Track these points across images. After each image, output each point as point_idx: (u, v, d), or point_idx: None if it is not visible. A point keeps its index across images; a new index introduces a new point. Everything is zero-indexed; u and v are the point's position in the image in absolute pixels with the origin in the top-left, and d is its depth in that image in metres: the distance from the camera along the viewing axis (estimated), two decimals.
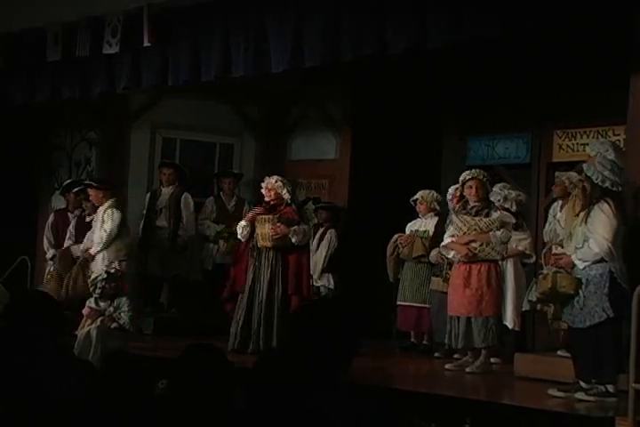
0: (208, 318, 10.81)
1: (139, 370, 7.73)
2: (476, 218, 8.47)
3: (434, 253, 9.20)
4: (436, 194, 9.65)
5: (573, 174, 8.49)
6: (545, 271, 7.20)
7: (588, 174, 7.04)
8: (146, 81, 9.09)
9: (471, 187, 8.52)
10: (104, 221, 10.10)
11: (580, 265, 6.92)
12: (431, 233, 9.49)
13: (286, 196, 9.33)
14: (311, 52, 7.76)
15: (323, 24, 7.67)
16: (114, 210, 10.16)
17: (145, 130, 11.41)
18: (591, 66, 9.32)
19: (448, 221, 8.81)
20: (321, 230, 10.75)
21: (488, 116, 10.56)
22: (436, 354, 9.26)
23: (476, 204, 8.53)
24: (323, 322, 3.41)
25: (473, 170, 8.72)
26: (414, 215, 9.81)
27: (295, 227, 9.16)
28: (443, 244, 8.74)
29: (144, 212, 11.00)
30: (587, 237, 6.92)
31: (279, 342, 8.74)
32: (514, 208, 8.78)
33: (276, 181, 9.29)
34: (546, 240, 8.58)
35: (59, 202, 11.71)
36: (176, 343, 7.59)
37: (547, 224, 8.71)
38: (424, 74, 10.21)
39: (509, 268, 8.74)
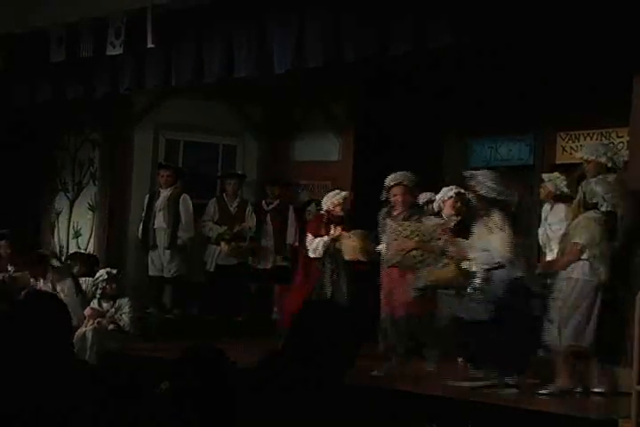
0: (210, 320, 10.84)
1: (140, 371, 7.72)
2: (418, 223, 8.23)
3: None
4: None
5: (555, 175, 8.47)
6: (445, 261, 7.36)
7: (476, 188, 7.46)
8: (149, 82, 9.10)
9: (396, 194, 8.19)
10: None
11: (478, 267, 7.23)
12: None
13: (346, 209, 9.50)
14: (313, 53, 7.77)
15: (325, 25, 7.67)
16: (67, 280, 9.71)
17: (148, 131, 11.41)
18: (594, 67, 9.31)
19: (380, 228, 8.62)
20: None
21: (491, 117, 10.54)
22: None
23: (404, 212, 8.24)
24: (323, 323, 3.40)
25: (398, 174, 8.29)
26: None
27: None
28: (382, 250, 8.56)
29: (143, 213, 11.00)
30: (486, 249, 7.25)
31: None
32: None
33: (345, 198, 9.36)
34: (541, 243, 8.53)
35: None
36: (178, 344, 7.58)
37: (540, 228, 8.63)
38: (426, 75, 10.20)
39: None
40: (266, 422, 3.34)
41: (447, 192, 9.04)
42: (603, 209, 7.19)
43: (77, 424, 3.76)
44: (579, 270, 7.14)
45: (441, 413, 6.62)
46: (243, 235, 11.09)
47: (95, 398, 3.85)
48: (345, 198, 9.39)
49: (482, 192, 7.37)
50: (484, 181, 7.38)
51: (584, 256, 7.13)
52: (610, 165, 7.88)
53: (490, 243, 7.28)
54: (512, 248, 7.22)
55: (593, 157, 7.87)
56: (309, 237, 9.39)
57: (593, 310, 7.14)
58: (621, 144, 9.74)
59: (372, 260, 9.10)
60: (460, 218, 9.10)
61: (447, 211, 9.10)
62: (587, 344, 7.14)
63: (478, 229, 7.43)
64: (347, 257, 9.11)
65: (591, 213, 7.21)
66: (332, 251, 9.21)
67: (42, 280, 9.82)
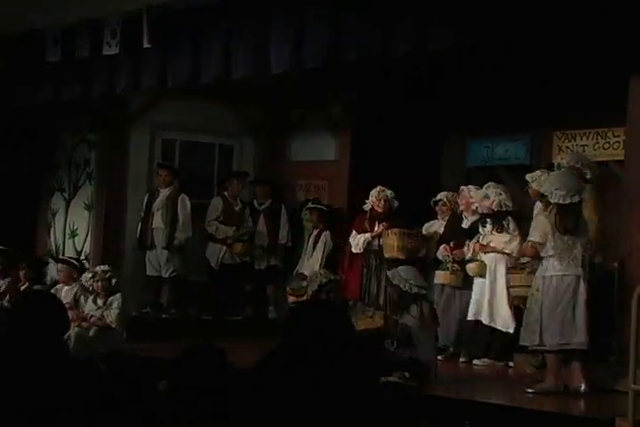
0: (207, 319, 10.84)
1: (137, 370, 7.72)
2: None
3: (441, 249, 9.17)
4: (457, 195, 9.57)
5: (537, 174, 8.49)
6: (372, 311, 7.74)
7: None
8: (145, 82, 9.08)
9: None
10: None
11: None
12: None
13: (394, 206, 9.64)
14: (312, 54, 7.76)
15: (324, 25, 7.66)
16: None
17: (144, 131, 11.39)
18: (591, 67, 9.32)
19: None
20: (316, 232, 10.77)
21: (488, 117, 10.55)
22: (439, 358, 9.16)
23: None
24: (319, 322, 3.40)
25: None
26: (417, 216, 9.80)
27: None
28: None
29: (141, 213, 10.99)
30: None
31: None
32: (494, 206, 8.79)
33: (391, 193, 9.58)
34: None
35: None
36: (175, 344, 7.57)
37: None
38: (424, 75, 10.21)
39: (500, 269, 8.71)
40: (263, 422, 3.34)
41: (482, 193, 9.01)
42: (552, 201, 7.26)
43: (75, 424, 3.76)
44: (549, 268, 7.20)
45: (440, 414, 6.62)
46: (252, 235, 11.14)
47: (93, 397, 3.85)
48: (388, 195, 9.53)
49: (404, 288, 7.52)
50: (406, 276, 7.57)
51: (545, 253, 7.20)
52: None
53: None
54: None
55: (564, 162, 8.03)
56: (353, 233, 9.60)
57: (577, 307, 7.14)
58: (617, 144, 9.76)
59: (412, 257, 9.20)
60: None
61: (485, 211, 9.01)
62: (577, 342, 7.11)
63: None
64: (386, 255, 9.31)
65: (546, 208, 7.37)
66: (374, 247, 9.39)
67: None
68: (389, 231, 9.37)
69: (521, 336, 7.38)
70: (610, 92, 8.45)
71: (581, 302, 7.14)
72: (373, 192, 9.71)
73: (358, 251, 9.56)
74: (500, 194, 8.80)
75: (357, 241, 9.59)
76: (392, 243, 9.29)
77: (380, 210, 9.62)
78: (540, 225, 7.28)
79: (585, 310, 7.13)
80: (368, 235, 9.53)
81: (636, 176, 7.55)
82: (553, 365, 7.23)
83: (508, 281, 8.20)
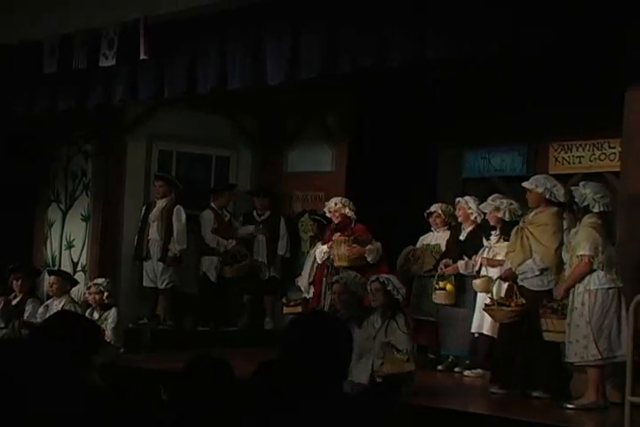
0: (204, 331, 10.83)
1: (134, 382, 7.70)
2: None
3: (440, 265, 9.18)
4: (451, 208, 9.53)
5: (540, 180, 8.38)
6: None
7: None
8: (142, 93, 9.10)
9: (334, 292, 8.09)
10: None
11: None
12: (442, 247, 9.44)
13: (350, 214, 9.65)
14: (308, 65, 7.77)
15: (320, 36, 7.68)
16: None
17: (141, 142, 11.39)
18: (587, 79, 9.34)
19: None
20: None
21: (484, 128, 10.57)
22: (440, 367, 9.21)
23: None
24: (316, 333, 3.40)
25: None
26: (413, 228, 9.79)
27: (369, 246, 9.46)
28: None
29: (139, 224, 10.98)
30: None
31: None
32: (507, 217, 8.75)
33: (336, 204, 9.68)
34: None
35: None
36: (172, 355, 7.57)
37: None
38: (421, 86, 10.22)
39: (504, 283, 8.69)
40: None
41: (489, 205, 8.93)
42: (595, 210, 7.16)
43: None
44: (594, 281, 7.06)
45: (441, 426, 6.61)
46: (241, 252, 11.09)
47: (86, 411, 3.84)
48: (337, 204, 9.55)
49: (396, 295, 7.62)
50: (398, 285, 7.67)
51: (594, 266, 7.07)
52: (547, 196, 7.85)
53: (399, 341, 7.43)
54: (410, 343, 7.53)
55: (542, 190, 7.86)
56: (319, 244, 9.83)
57: (621, 318, 7.03)
58: (613, 155, 9.78)
59: (357, 264, 9.22)
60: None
61: (493, 222, 8.96)
62: (621, 354, 6.96)
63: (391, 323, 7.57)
64: (335, 264, 9.49)
65: (586, 220, 7.19)
66: (331, 257, 9.53)
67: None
68: (334, 241, 9.50)
69: (567, 353, 7.17)
70: (606, 103, 8.47)
71: (624, 315, 7.00)
72: (329, 203, 9.79)
73: (319, 262, 9.74)
74: (511, 204, 8.78)
75: (319, 253, 9.77)
76: (336, 252, 9.49)
77: (335, 220, 9.68)
78: (591, 237, 7.08)
79: (627, 323, 6.96)
80: (325, 246, 9.65)
81: (631, 187, 7.57)
82: (596, 380, 7.07)
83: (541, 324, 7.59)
